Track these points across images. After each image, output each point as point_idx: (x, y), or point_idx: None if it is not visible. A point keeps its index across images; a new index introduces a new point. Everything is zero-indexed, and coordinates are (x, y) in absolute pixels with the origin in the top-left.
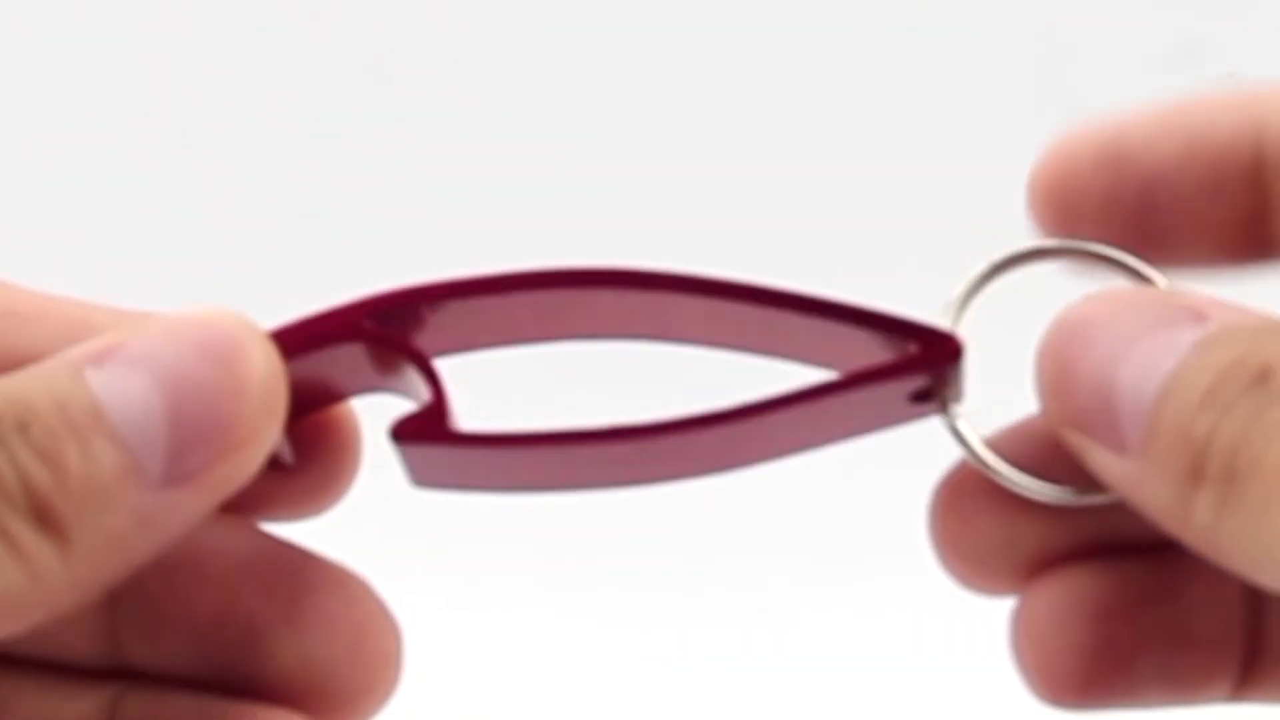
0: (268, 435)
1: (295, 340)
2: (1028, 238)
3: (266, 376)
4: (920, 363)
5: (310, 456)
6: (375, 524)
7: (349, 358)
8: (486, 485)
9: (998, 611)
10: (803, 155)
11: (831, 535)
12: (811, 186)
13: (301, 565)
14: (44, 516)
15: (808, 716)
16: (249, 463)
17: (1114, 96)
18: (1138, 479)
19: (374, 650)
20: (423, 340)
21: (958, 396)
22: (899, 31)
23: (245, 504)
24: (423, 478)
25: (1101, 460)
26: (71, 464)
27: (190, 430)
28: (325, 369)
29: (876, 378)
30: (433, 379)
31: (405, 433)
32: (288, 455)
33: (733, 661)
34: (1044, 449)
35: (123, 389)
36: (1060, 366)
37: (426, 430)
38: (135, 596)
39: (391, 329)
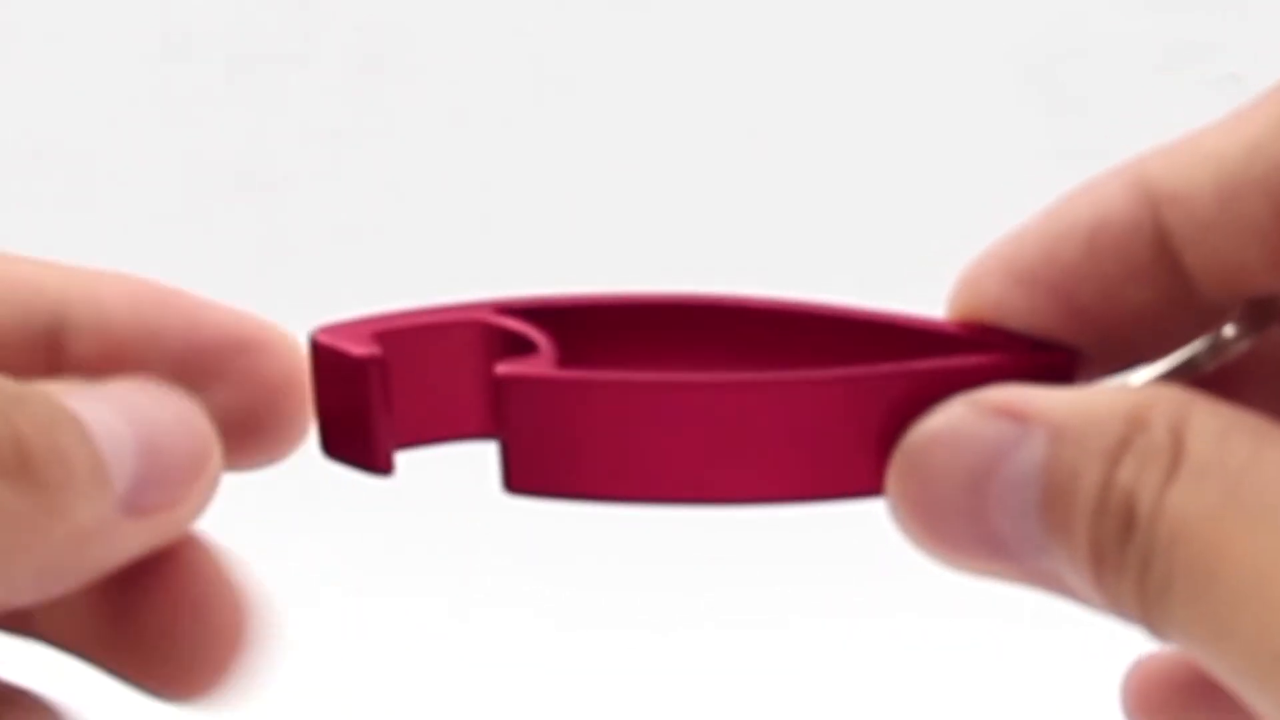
0: (210, 489)
1: (417, 321)
2: None
3: (212, 440)
4: (1030, 365)
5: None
6: (358, 527)
7: (463, 356)
8: (590, 482)
9: (989, 615)
10: (804, 160)
11: (820, 537)
12: (815, 191)
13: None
14: (30, 469)
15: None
16: (187, 517)
17: (1115, 98)
18: (1055, 570)
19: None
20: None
21: None
22: (901, 36)
23: None
24: (519, 474)
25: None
26: (61, 437)
27: (152, 467)
28: (439, 367)
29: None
30: (547, 340)
31: (508, 373)
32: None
33: (721, 664)
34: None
35: (97, 414)
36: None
37: (529, 367)
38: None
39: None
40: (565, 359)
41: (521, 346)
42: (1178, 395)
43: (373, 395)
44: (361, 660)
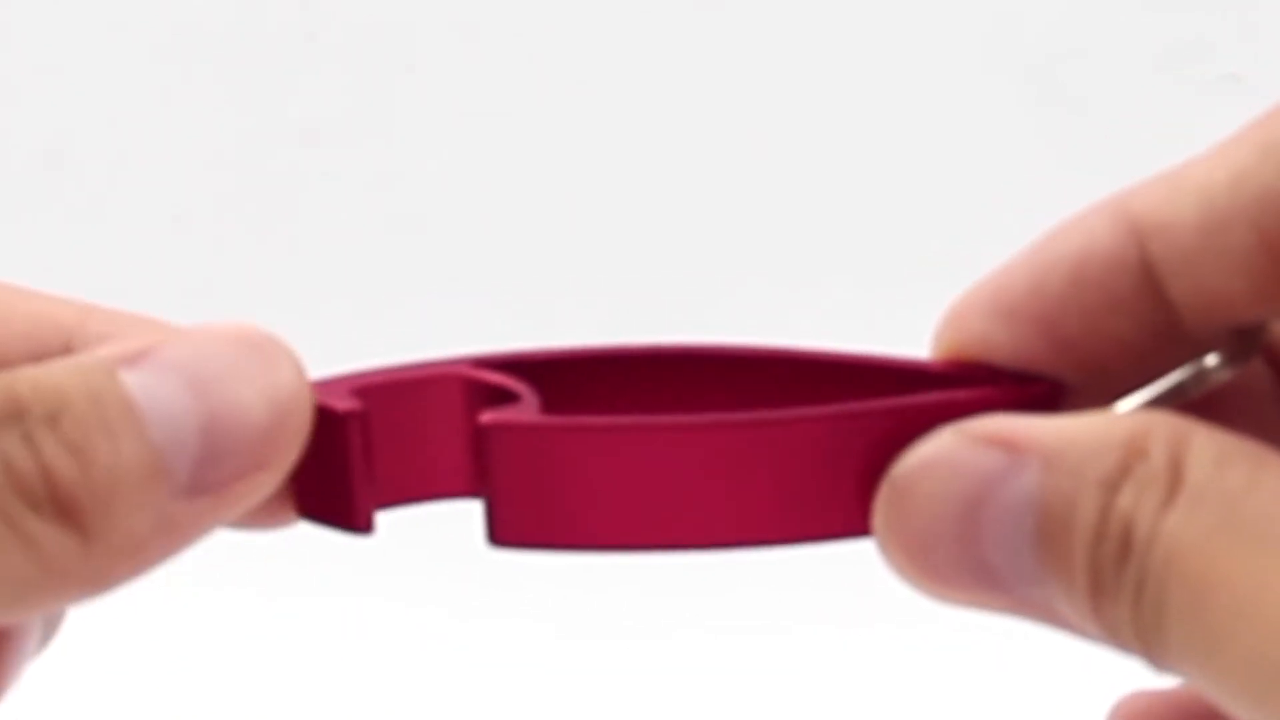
0: (292, 452)
1: (396, 377)
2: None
3: (295, 392)
4: (1012, 398)
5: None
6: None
7: (444, 411)
8: (576, 532)
9: (980, 624)
10: (803, 162)
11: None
12: (813, 192)
13: None
14: (65, 508)
15: None
16: (272, 478)
17: (1115, 98)
18: (1049, 602)
19: None
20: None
21: None
22: (901, 36)
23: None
24: (504, 527)
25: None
26: (100, 458)
27: (220, 440)
28: (418, 423)
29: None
30: (532, 391)
31: (493, 420)
32: None
33: (720, 670)
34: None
35: (157, 392)
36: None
37: (514, 415)
38: None
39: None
40: (548, 411)
41: (504, 398)
42: (1175, 422)
43: (354, 451)
44: (360, 665)
